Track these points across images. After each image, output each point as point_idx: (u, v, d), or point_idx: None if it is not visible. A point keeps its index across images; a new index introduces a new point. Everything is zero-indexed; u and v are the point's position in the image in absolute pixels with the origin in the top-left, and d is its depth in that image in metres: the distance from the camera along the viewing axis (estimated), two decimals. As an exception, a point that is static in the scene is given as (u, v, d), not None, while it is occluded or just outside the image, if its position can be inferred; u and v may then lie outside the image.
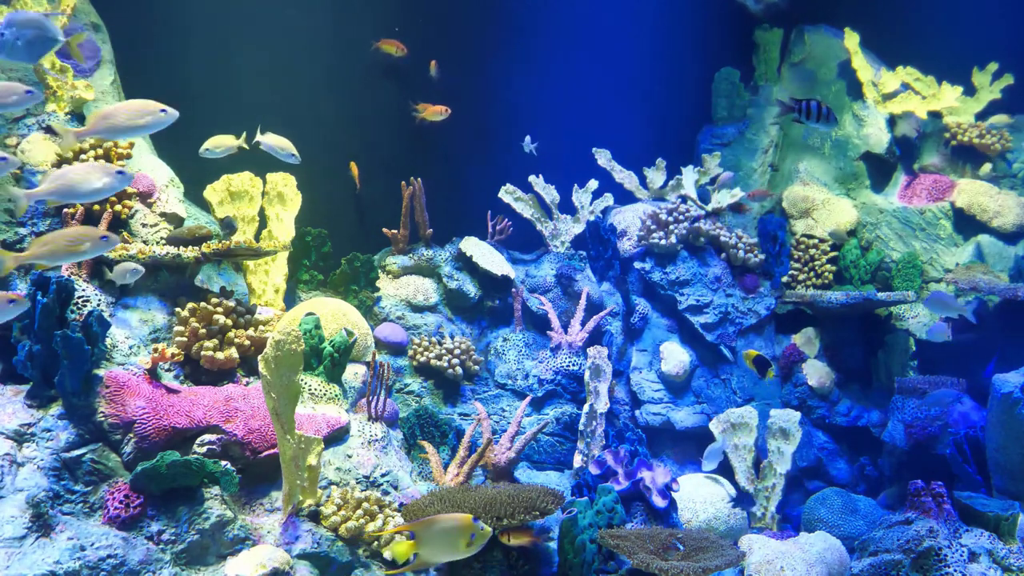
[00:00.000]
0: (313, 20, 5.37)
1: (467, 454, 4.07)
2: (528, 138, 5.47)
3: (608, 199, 6.04)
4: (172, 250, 3.81)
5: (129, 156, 4.11)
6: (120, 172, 3.24)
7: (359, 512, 3.33)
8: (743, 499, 4.81)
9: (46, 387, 3.17)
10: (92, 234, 3.11)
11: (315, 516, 3.33)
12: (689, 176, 6.21)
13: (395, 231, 5.30)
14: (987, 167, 6.00)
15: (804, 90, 6.66)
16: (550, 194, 5.84)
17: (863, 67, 6.42)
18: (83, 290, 3.69)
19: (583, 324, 5.24)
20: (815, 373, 5.68)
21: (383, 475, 3.71)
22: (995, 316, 5.68)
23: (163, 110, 3.25)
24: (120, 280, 3.69)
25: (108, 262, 3.80)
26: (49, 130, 4.09)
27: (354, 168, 5.34)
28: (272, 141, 4.34)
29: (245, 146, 4.24)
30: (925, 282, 6.07)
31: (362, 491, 3.51)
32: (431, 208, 5.35)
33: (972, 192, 6.13)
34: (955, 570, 3.56)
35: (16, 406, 3.14)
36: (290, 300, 4.87)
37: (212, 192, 4.69)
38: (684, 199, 6.11)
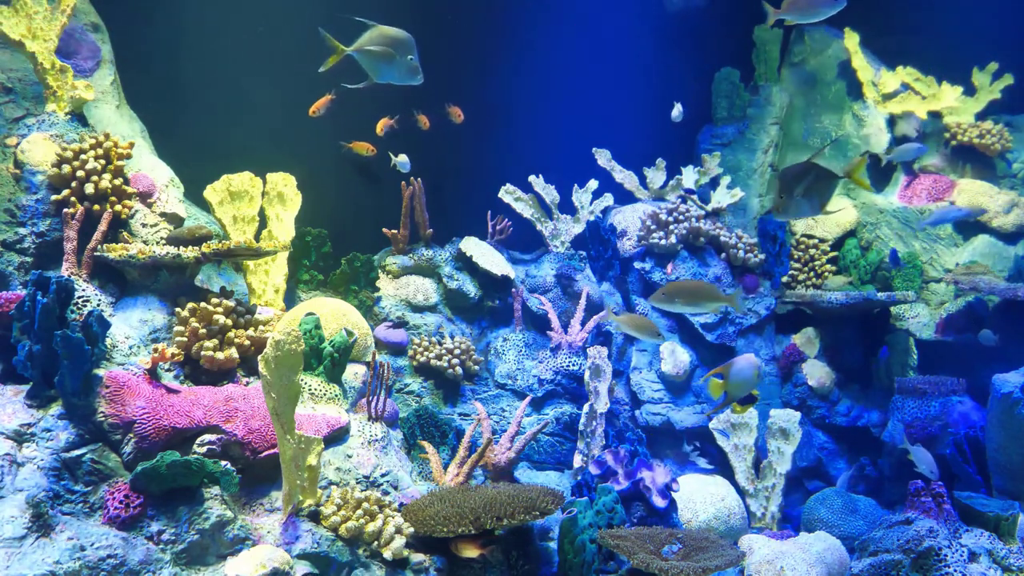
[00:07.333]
0: (313, 19, 5.36)
1: (467, 454, 4.07)
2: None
3: (608, 199, 6.04)
4: (172, 250, 3.80)
5: (129, 156, 4.11)
6: None
7: (359, 512, 3.33)
8: (743, 498, 4.81)
9: (46, 387, 3.17)
10: None
11: (315, 516, 3.33)
12: (689, 176, 6.22)
13: (395, 231, 5.30)
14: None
15: (804, 90, 6.66)
16: (550, 194, 5.84)
17: (863, 67, 6.42)
18: (83, 290, 3.69)
19: (583, 324, 5.24)
20: (815, 373, 5.68)
21: (383, 475, 3.71)
22: (995, 316, 5.68)
23: None
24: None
25: (108, 262, 3.80)
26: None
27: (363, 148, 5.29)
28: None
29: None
30: (925, 282, 6.07)
31: (362, 491, 3.51)
32: (431, 208, 5.35)
33: (972, 192, 6.13)
34: (955, 570, 3.56)
35: (16, 406, 3.13)
36: (290, 300, 4.87)
37: (212, 192, 4.68)
38: (684, 199, 6.11)
